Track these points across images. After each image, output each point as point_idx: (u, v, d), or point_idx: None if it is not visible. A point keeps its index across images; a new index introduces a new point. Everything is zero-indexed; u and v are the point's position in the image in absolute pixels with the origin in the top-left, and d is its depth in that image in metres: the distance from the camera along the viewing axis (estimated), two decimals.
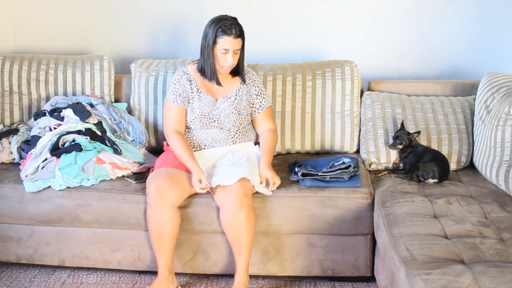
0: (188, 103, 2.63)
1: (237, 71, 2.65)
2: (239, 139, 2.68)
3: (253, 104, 2.71)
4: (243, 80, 2.67)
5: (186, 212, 2.50)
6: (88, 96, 3.05)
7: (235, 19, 2.53)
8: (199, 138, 2.66)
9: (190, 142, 2.66)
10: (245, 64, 2.74)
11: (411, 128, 2.77)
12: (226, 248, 2.53)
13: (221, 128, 2.65)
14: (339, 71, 2.98)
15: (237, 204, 2.35)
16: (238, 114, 2.65)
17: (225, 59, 2.52)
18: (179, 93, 2.62)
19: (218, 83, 2.61)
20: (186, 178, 2.50)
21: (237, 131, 2.67)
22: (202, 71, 2.61)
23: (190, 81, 2.64)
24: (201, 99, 2.62)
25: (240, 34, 2.50)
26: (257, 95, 2.70)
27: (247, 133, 2.72)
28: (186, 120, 2.64)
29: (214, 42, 2.49)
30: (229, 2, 3.25)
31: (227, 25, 2.47)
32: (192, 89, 2.63)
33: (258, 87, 2.71)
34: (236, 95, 2.66)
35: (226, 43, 2.48)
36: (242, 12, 2.94)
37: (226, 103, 2.64)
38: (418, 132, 2.68)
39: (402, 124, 2.74)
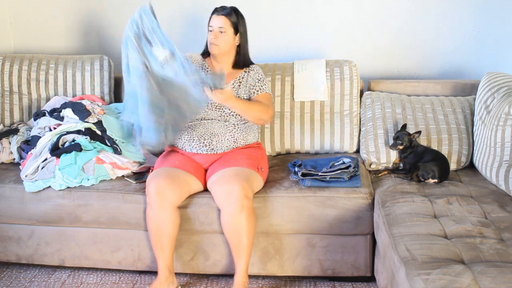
0: None
1: (239, 63, 2.68)
2: (240, 133, 2.64)
3: (253, 86, 2.68)
4: (244, 65, 2.71)
5: (186, 212, 2.50)
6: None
7: (234, 7, 2.66)
8: (200, 131, 2.59)
9: (193, 133, 2.62)
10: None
11: (411, 128, 2.77)
12: (226, 248, 2.53)
13: (221, 120, 2.59)
14: (338, 71, 2.98)
15: (237, 206, 2.35)
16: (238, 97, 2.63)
17: (210, 36, 2.62)
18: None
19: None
20: (186, 178, 2.50)
21: (237, 123, 2.63)
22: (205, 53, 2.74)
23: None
24: None
25: (228, 13, 2.61)
26: (258, 80, 2.70)
27: (247, 130, 2.69)
28: None
29: (208, 23, 2.63)
30: (229, 2, 3.24)
31: (218, 6, 2.63)
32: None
33: (260, 74, 2.73)
34: (235, 82, 2.66)
35: (212, 21, 2.62)
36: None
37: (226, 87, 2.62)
38: (419, 132, 2.68)
39: (404, 126, 2.74)
